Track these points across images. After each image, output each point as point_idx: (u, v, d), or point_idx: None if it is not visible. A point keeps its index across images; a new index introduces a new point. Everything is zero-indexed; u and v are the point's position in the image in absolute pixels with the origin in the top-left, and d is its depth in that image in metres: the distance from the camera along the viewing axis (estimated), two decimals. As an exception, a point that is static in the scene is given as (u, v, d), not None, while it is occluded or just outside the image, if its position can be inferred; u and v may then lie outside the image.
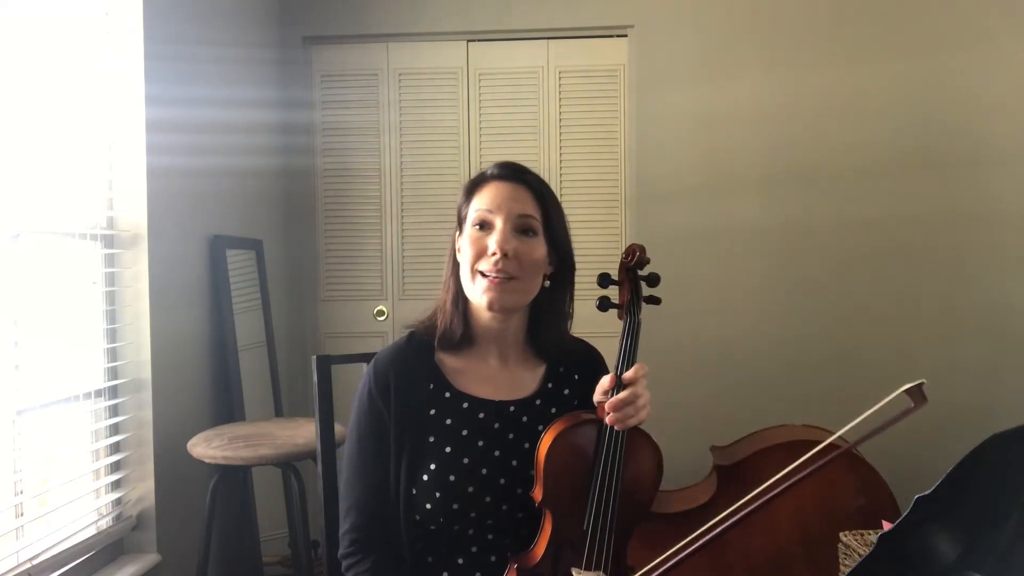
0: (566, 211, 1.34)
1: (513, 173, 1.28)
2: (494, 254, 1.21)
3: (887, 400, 0.97)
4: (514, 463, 1.25)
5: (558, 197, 1.33)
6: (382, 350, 1.32)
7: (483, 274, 1.23)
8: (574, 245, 1.35)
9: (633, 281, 1.29)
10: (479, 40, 3.30)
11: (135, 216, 2.21)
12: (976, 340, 3.10)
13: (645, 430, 1.23)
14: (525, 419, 1.29)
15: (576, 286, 1.35)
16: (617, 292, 1.31)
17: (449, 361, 1.31)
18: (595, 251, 3.05)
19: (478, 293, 1.24)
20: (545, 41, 3.28)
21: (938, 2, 3.10)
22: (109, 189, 2.21)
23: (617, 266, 1.31)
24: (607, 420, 1.16)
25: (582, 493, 1.19)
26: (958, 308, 3.11)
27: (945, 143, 3.11)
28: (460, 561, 1.25)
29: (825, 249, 3.16)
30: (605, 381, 1.20)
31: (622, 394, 1.16)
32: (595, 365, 1.37)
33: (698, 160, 3.18)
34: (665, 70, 3.19)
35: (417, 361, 1.29)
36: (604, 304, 1.31)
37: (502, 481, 1.24)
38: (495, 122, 3.30)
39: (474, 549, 1.25)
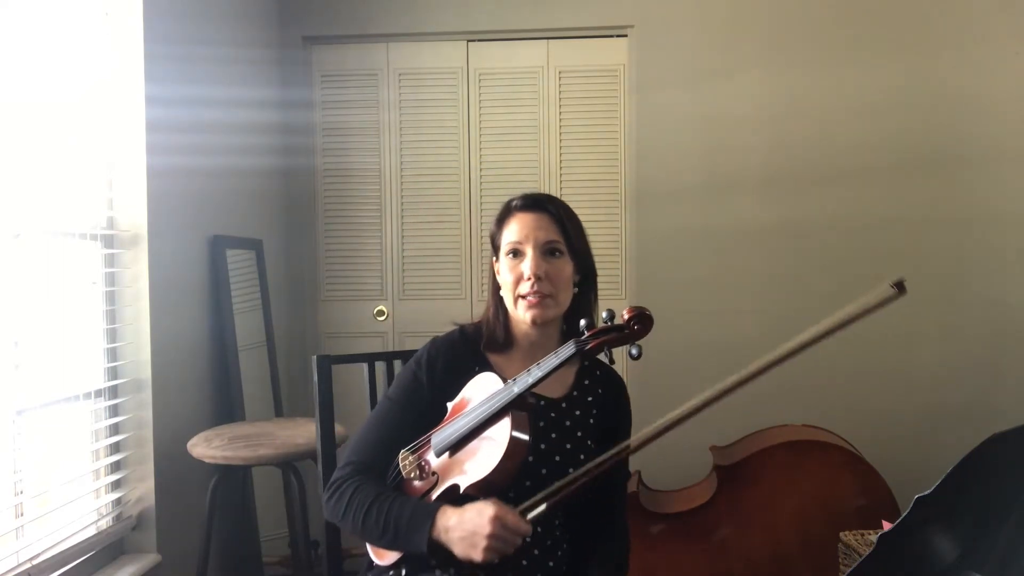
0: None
1: (535, 203, 1.47)
2: (529, 278, 1.40)
3: (874, 295, 1.15)
4: (542, 447, 1.41)
5: (575, 211, 1.52)
6: (438, 337, 1.51)
7: (523, 296, 1.41)
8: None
9: (622, 341, 1.21)
10: (479, 40, 3.30)
11: (135, 216, 2.21)
12: (976, 340, 3.10)
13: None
14: (553, 415, 1.45)
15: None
16: (604, 328, 1.21)
17: (492, 357, 1.50)
18: (595, 251, 3.04)
19: (522, 313, 1.43)
20: (545, 41, 3.28)
21: (938, 2, 3.10)
22: (109, 189, 2.21)
23: (626, 310, 1.22)
24: None
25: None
26: (958, 308, 3.11)
27: (945, 143, 3.10)
28: None
29: (825, 249, 3.15)
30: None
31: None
32: (617, 388, 1.54)
33: (698, 160, 3.18)
34: (665, 70, 3.19)
35: (467, 350, 1.49)
36: (589, 326, 1.21)
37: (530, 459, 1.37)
38: (495, 122, 3.30)
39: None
